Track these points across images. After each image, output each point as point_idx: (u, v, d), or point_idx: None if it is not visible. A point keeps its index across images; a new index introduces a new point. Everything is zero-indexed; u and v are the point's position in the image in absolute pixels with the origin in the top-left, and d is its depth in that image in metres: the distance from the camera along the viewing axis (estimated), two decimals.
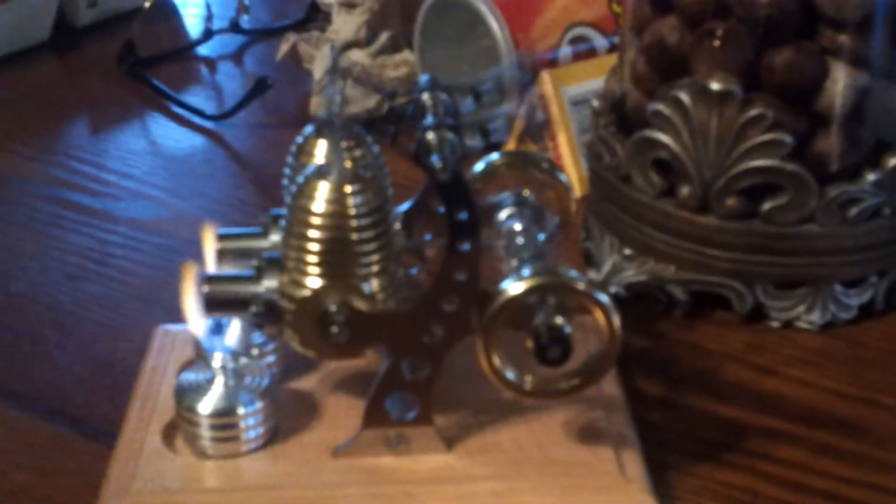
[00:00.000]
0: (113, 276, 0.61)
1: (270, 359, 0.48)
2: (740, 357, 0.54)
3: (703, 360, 0.54)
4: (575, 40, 0.73)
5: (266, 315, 0.43)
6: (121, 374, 0.51)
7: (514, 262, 0.45)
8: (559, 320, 0.42)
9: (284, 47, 0.81)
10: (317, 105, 0.75)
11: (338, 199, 0.42)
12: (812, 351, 0.55)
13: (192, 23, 0.94)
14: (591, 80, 0.68)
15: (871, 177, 0.54)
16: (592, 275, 0.58)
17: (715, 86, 0.53)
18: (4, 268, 0.62)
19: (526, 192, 0.49)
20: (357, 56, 0.76)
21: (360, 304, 0.43)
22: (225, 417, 0.44)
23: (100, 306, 0.59)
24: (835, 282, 0.55)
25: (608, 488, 0.43)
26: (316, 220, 0.42)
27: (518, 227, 0.47)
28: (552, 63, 0.71)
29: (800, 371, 0.53)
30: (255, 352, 0.47)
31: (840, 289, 0.56)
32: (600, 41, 0.73)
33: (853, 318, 0.56)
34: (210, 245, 0.47)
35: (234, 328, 0.47)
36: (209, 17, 0.90)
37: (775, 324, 0.56)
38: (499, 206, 0.49)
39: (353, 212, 0.42)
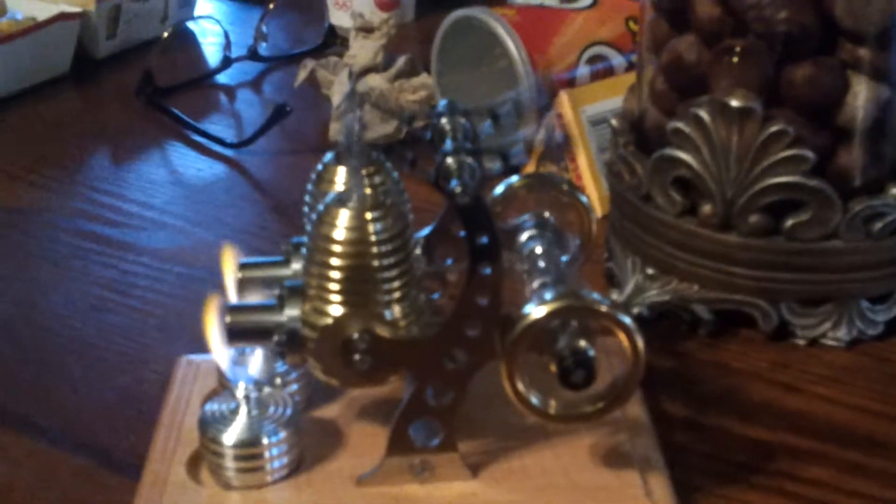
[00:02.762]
0: (135, 307, 0.61)
1: (294, 387, 0.48)
2: (766, 376, 0.54)
3: (728, 380, 0.54)
4: (593, 59, 0.72)
5: (288, 344, 0.43)
6: (144, 405, 0.51)
7: (536, 285, 0.45)
8: (583, 343, 0.42)
9: (302, 73, 0.81)
10: (336, 130, 0.75)
11: (358, 226, 0.42)
12: (839, 368, 0.54)
13: (211, 51, 0.95)
14: (609, 100, 0.68)
15: (894, 191, 0.54)
16: (615, 295, 0.58)
17: (735, 102, 0.52)
18: (28, 300, 0.62)
19: (546, 214, 0.49)
20: (375, 81, 0.76)
21: (383, 331, 0.42)
22: (249, 448, 0.44)
23: (123, 337, 0.59)
24: (861, 298, 0.55)
25: None
26: (337, 248, 0.42)
27: (539, 249, 0.47)
28: (570, 83, 0.71)
29: (827, 389, 0.53)
30: (278, 381, 0.47)
31: (866, 304, 0.55)
32: (618, 60, 0.73)
33: (880, 334, 0.56)
34: (230, 267, 0.47)
35: (257, 358, 0.47)
36: (227, 46, 0.90)
37: (801, 341, 0.56)
38: (520, 229, 0.48)
39: (373, 238, 0.42)
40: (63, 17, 0.87)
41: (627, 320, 0.41)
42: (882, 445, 0.50)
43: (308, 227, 0.44)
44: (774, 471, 0.48)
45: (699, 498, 0.46)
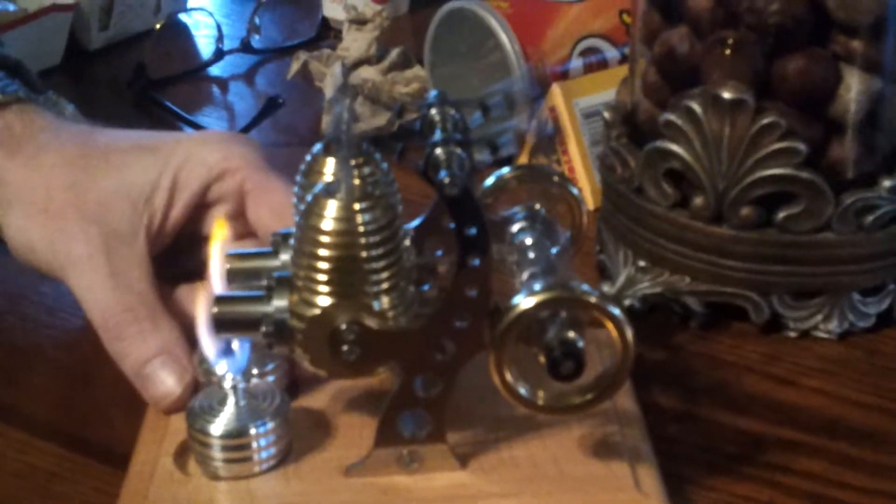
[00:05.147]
0: None
1: (270, 379, 0.47)
2: (757, 368, 0.54)
3: (719, 372, 0.54)
4: (586, 52, 0.72)
5: (276, 335, 0.43)
6: (133, 397, 0.51)
7: (526, 276, 0.44)
8: (572, 334, 0.41)
9: (295, 66, 0.81)
10: (328, 123, 0.75)
11: (347, 217, 0.42)
12: (830, 360, 0.54)
13: (204, 43, 0.94)
14: (602, 92, 0.68)
15: (887, 183, 0.54)
16: (607, 288, 0.58)
17: (727, 94, 0.52)
18: (18, 292, 0.62)
19: (537, 206, 0.49)
20: (368, 73, 0.76)
21: (371, 322, 0.42)
22: (237, 438, 0.44)
23: None
24: (852, 290, 0.55)
25: None
26: (325, 239, 0.42)
27: (529, 241, 0.47)
28: (563, 75, 0.71)
29: (818, 381, 0.53)
30: (255, 370, 0.47)
31: (858, 297, 0.55)
32: (612, 52, 0.73)
33: (871, 327, 0.56)
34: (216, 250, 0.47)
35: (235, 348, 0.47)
36: (220, 38, 0.90)
37: (792, 334, 0.56)
38: (510, 221, 0.48)
39: (362, 229, 0.42)
40: (55, 8, 0.87)
41: (616, 311, 0.41)
42: (873, 437, 0.49)
43: (297, 218, 0.44)
44: (765, 463, 0.48)
45: (689, 490, 0.46)
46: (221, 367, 0.46)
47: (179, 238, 0.55)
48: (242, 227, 0.55)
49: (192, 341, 0.48)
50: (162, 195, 0.53)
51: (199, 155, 0.54)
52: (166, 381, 0.49)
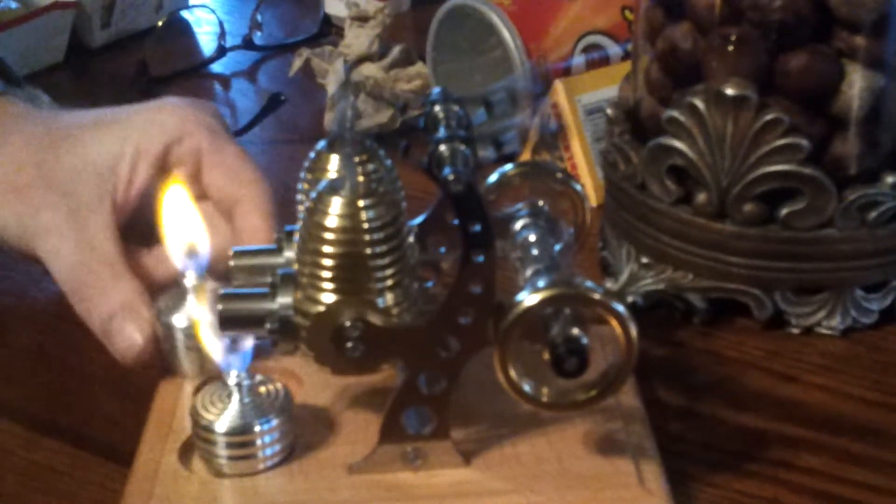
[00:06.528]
0: None
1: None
2: (760, 364, 0.54)
3: (722, 369, 0.54)
4: (588, 48, 0.72)
5: (281, 332, 0.43)
6: (137, 393, 0.51)
7: (530, 273, 0.45)
8: (576, 331, 0.41)
9: (297, 63, 0.81)
10: (331, 120, 0.75)
11: (351, 213, 0.42)
12: (833, 357, 0.54)
13: (206, 40, 0.94)
14: (605, 89, 0.68)
15: (890, 179, 0.54)
16: (609, 284, 0.58)
17: (730, 91, 0.52)
18: (21, 289, 0.62)
19: (541, 203, 0.49)
20: (370, 70, 0.76)
21: (375, 319, 0.42)
22: (241, 435, 0.44)
23: None
24: (855, 286, 0.55)
25: (628, 500, 0.43)
26: (329, 236, 0.42)
27: (533, 237, 0.47)
28: (565, 72, 0.71)
29: (821, 377, 0.53)
30: None
31: (861, 293, 0.55)
32: (614, 49, 0.73)
33: (874, 323, 0.56)
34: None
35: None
36: (222, 35, 0.90)
37: (795, 330, 0.56)
38: (513, 218, 0.48)
39: (366, 226, 0.42)
40: (58, 5, 0.87)
41: (620, 308, 0.41)
42: (876, 434, 0.50)
43: (301, 215, 0.44)
44: (768, 459, 0.48)
45: (693, 486, 0.46)
46: (179, 320, 0.48)
47: (144, 202, 0.56)
48: (199, 190, 0.56)
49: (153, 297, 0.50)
50: (126, 163, 0.55)
51: (157, 120, 0.56)
52: (130, 335, 0.50)
